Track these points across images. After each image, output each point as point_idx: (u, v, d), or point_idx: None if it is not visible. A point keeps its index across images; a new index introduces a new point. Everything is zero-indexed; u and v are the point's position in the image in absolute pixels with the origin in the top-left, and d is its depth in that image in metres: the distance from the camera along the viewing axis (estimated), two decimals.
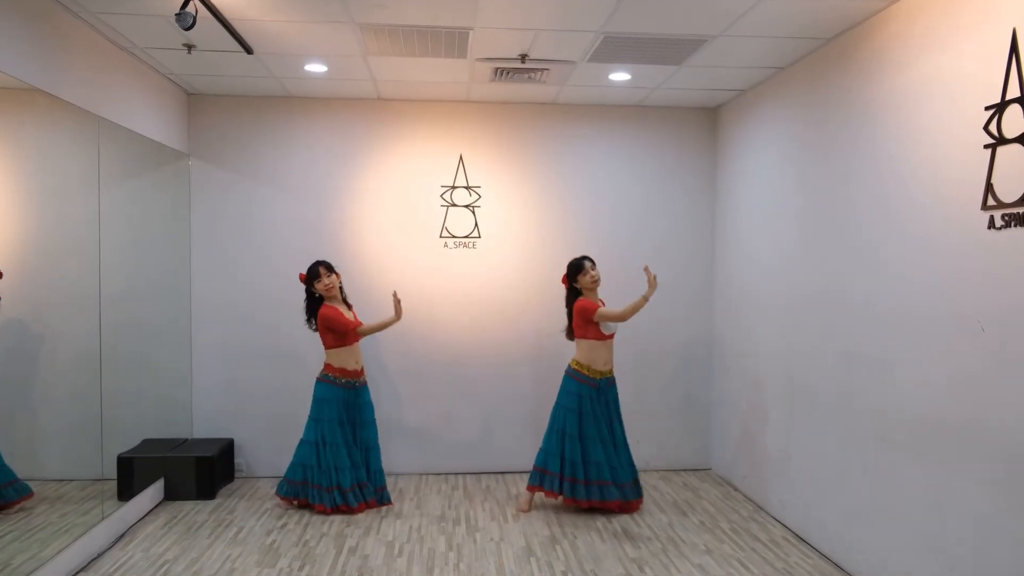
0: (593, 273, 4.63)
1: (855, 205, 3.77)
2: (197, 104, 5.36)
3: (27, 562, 3.42)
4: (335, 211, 5.47)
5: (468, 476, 5.55)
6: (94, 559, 3.91)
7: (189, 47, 4.22)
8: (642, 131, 5.65)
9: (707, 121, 5.70)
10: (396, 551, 4.09)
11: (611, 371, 4.72)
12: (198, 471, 4.91)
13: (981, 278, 2.88)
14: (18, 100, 3.56)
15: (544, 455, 4.68)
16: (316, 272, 4.65)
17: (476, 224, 5.58)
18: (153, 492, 4.77)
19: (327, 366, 4.70)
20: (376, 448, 4.85)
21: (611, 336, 4.66)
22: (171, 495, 4.91)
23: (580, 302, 4.62)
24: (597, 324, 4.59)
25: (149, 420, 5.05)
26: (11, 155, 3.71)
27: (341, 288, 4.78)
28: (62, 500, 3.94)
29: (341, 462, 4.62)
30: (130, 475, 4.61)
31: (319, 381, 4.71)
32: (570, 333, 4.78)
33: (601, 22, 3.83)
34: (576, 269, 4.65)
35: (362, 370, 4.79)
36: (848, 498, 3.80)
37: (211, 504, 4.85)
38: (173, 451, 4.96)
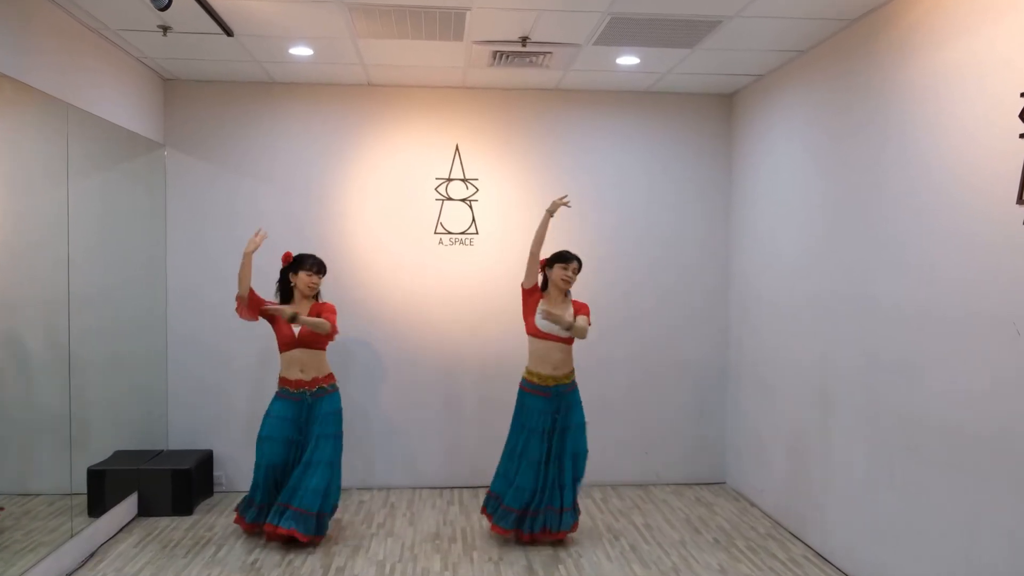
0: (568, 275, 4.43)
1: (880, 199, 3.77)
2: (173, 90, 5.36)
3: None
4: (322, 205, 5.48)
5: (465, 490, 5.55)
6: None
7: (164, 29, 4.23)
8: (652, 119, 5.66)
9: (722, 108, 5.70)
10: (387, 571, 4.09)
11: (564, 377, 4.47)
12: (174, 485, 4.91)
13: (1017, 278, 2.88)
14: None
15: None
16: (301, 264, 4.48)
17: (473, 219, 5.59)
18: (126, 507, 4.77)
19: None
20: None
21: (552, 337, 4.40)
22: (145, 511, 4.90)
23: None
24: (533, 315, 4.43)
25: (122, 430, 5.05)
26: None
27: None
28: (28, 516, 3.94)
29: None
30: (101, 489, 4.61)
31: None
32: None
33: (608, 2, 3.83)
34: (559, 258, 4.46)
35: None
36: (873, 513, 3.80)
37: (188, 520, 4.85)
38: (147, 463, 4.96)
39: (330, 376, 4.52)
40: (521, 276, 5.57)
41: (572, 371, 4.52)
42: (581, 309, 4.47)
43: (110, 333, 4.77)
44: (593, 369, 5.63)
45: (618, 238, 5.66)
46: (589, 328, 4.38)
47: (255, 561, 4.20)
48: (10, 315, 3.85)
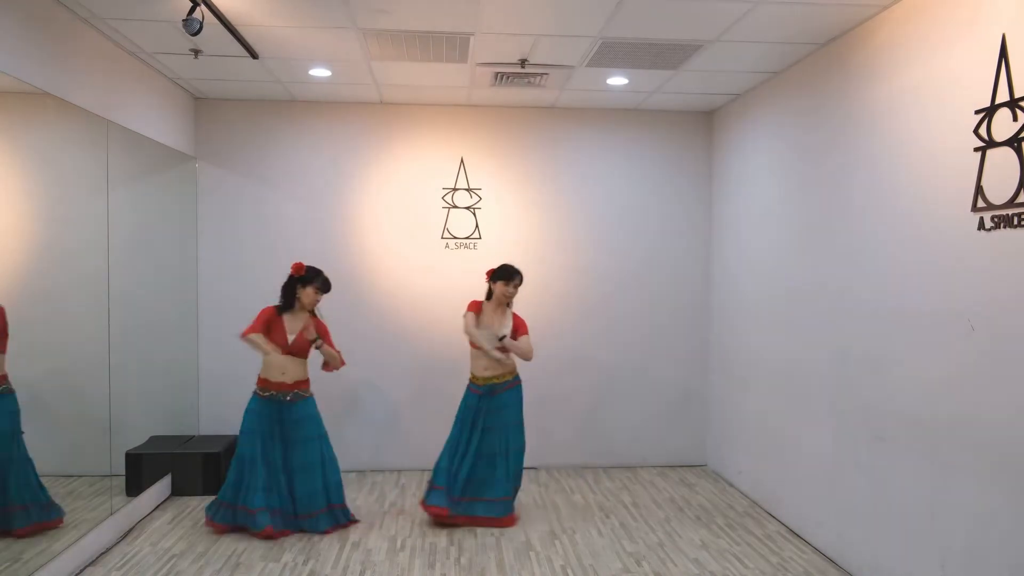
0: (511, 291, 4.36)
1: (848, 207, 3.76)
2: (204, 108, 5.36)
3: (37, 556, 3.42)
4: (339, 212, 5.48)
5: None
6: (103, 553, 3.91)
7: (196, 52, 4.23)
8: (639, 134, 5.65)
9: (703, 124, 5.69)
10: (398, 546, 4.09)
11: (498, 377, 4.38)
12: (204, 467, 4.91)
13: (972, 278, 2.87)
14: (28, 104, 3.56)
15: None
16: (312, 281, 4.27)
17: (477, 225, 5.59)
18: (160, 488, 4.77)
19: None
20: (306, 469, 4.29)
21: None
22: (178, 491, 4.90)
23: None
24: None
25: (156, 417, 5.06)
26: (22, 158, 3.71)
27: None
28: (72, 496, 3.95)
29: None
30: (138, 471, 4.62)
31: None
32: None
33: (599, 27, 3.83)
34: (502, 275, 4.37)
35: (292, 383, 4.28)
36: (842, 494, 3.79)
37: None
38: (180, 448, 4.96)
39: (308, 382, 4.34)
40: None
41: (506, 372, 4.40)
42: (521, 325, 4.38)
43: (146, 330, 4.77)
44: (587, 363, 5.64)
45: (608, 243, 5.65)
46: (518, 347, 4.30)
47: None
48: (55, 313, 3.85)
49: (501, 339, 4.27)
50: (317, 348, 4.24)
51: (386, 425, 5.53)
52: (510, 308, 4.46)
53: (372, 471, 5.51)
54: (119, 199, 4.22)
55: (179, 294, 5.21)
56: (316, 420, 4.35)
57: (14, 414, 3.53)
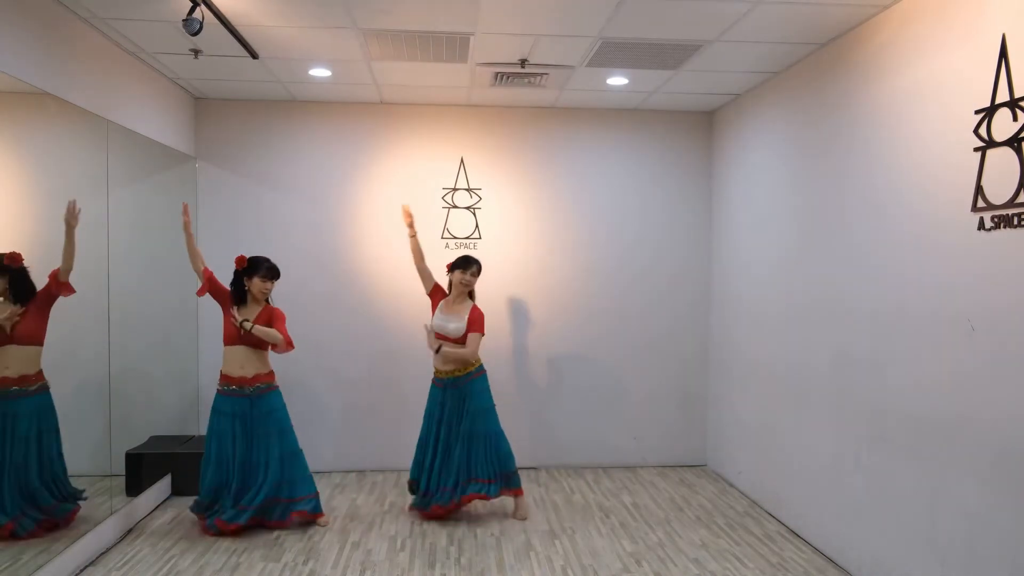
0: (468, 278, 4.45)
1: (848, 207, 3.76)
2: (204, 108, 5.36)
3: (37, 556, 3.42)
4: (339, 212, 5.48)
5: None
6: (103, 553, 3.91)
7: (196, 52, 4.23)
8: (640, 134, 5.65)
9: (703, 125, 5.69)
10: (398, 546, 4.09)
11: (454, 372, 4.46)
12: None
13: (972, 279, 2.88)
14: (28, 104, 3.56)
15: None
16: (256, 271, 4.28)
17: (477, 225, 5.59)
18: (160, 488, 4.77)
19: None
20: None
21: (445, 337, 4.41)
22: (178, 491, 4.89)
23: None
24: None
25: (156, 417, 5.05)
26: (22, 157, 3.71)
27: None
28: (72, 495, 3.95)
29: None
30: (138, 471, 4.61)
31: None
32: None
33: (599, 27, 3.83)
34: (459, 264, 4.48)
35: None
36: (842, 494, 3.80)
37: None
38: (180, 447, 4.95)
39: (270, 375, 4.31)
40: (519, 277, 5.60)
41: (463, 367, 4.45)
42: (474, 322, 4.40)
43: (146, 330, 4.77)
44: (590, 364, 5.64)
45: (608, 243, 5.65)
46: (462, 350, 4.36)
47: (277, 537, 4.19)
48: (54, 313, 3.84)
49: (437, 351, 4.39)
50: (248, 330, 4.14)
51: (390, 425, 5.52)
52: (471, 300, 4.54)
53: (372, 471, 5.51)
54: (119, 199, 4.22)
55: (178, 293, 5.20)
56: (278, 414, 4.30)
57: (35, 415, 3.62)
